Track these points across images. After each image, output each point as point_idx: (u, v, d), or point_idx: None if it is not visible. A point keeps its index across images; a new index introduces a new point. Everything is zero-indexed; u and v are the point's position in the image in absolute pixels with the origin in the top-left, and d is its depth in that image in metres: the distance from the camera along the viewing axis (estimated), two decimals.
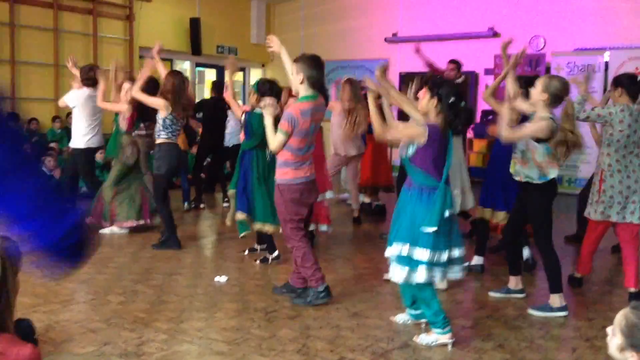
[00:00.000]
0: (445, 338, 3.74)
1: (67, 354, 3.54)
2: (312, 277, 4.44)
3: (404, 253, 3.62)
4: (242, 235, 5.67)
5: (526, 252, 5.41)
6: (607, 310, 4.51)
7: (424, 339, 3.80)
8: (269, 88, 5.51)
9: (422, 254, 3.57)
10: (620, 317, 1.89)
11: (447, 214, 3.57)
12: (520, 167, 4.31)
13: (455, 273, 3.76)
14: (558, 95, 4.20)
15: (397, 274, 3.70)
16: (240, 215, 5.54)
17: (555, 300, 4.36)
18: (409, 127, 3.67)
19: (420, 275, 3.61)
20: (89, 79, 7.15)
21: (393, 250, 3.70)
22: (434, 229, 3.54)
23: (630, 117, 4.70)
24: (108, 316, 4.16)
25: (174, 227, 6.20)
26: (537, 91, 4.22)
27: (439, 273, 3.67)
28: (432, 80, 3.70)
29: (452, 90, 3.61)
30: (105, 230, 6.67)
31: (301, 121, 4.27)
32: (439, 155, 3.62)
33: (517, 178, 4.37)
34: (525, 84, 4.72)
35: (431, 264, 3.59)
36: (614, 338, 1.90)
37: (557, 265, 4.37)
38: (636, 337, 1.84)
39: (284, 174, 4.40)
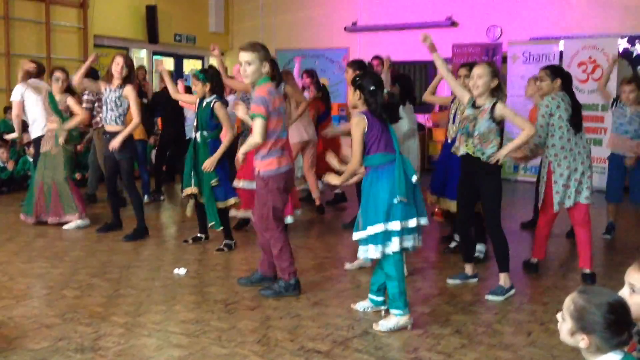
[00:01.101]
0: (405, 319, 3.83)
1: (21, 350, 3.45)
2: (286, 270, 4.43)
3: (379, 230, 3.76)
4: (215, 227, 5.65)
5: (480, 247, 5.45)
6: (561, 294, 4.60)
7: (383, 325, 3.83)
8: (218, 78, 5.55)
9: (394, 225, 3.75)
10: (568, 301, 1.92)
11: (414, 179, 3.79)
12: (482, 148, 4.37)
13: (419, 242, 3.93)
14: (499, 78, 4.45)
15: (371, 251, 3.84)
16: (233, 200, 5.63)
17: (506, 279, 4.54)
18: (354, 132, 3.86)
19: (395, 245, 3.78)
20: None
21: (368, 232, 3.81)
22: (405, 198, 3.72)
23: (564, 102, 4.95)
24: (63, 311, 4.07)
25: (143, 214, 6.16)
26: (487, 80, 4.36)
27: (410, 241, 3.85)
28: (354, 77, 4.00)
29: (371, 80, 3.89)
30: (71, 225, 6.50)
31: (272, 99, 4.26)
32: (383, 134, 3.86)
33: (482, 158, 4.38)
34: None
35: (402, 233, 3.79)
36: (564, 323, 1.93)
37: (507, 246, 4.55)
38: (586, 320, 1.87)
39: (268, 165, 4.32)
